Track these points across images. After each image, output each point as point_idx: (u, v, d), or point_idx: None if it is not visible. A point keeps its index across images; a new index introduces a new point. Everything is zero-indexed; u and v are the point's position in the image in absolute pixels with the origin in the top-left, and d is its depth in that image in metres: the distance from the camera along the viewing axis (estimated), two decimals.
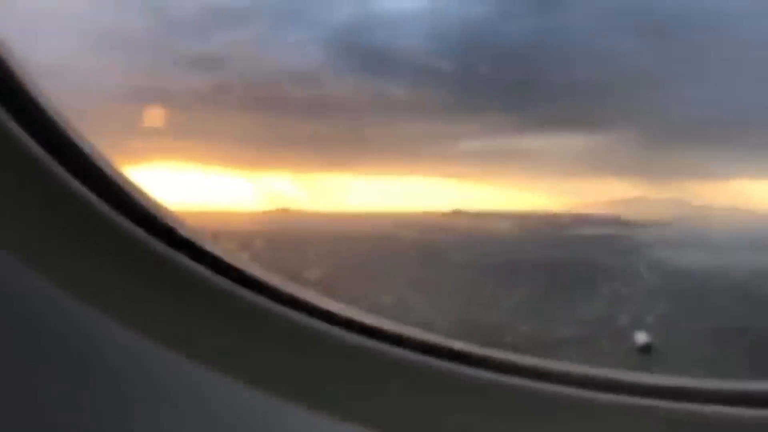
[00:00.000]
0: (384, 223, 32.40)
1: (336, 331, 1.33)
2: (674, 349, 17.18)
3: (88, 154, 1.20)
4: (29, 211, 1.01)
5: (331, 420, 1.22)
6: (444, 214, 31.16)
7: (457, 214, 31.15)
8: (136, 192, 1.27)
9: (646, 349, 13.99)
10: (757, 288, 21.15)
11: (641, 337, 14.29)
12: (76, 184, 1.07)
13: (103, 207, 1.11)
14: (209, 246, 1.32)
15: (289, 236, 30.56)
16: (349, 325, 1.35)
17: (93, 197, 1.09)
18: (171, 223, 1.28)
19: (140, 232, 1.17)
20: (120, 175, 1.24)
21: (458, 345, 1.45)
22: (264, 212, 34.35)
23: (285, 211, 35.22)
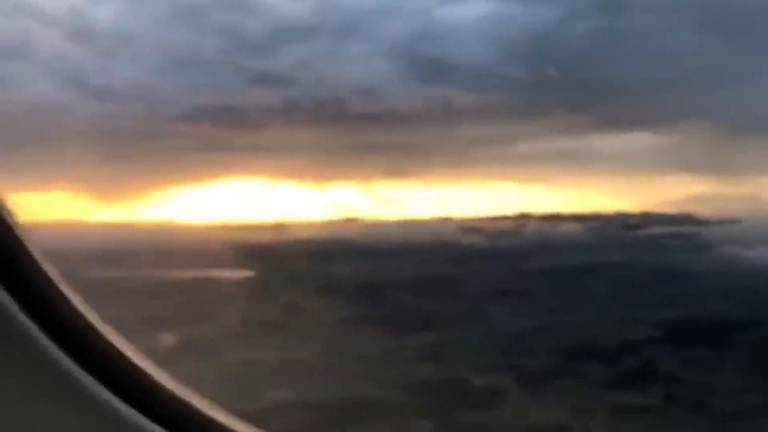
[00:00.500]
0: (449, 229, 32.44)
1: None
2: None
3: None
4: None
5: None
6: (510, 218, 31.00)
7: (523, 217, 30.94)
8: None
9: None
10: None
11: None
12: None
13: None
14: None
15: (352, 247, 30.81)
16: None
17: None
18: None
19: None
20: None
21: None
22: (330, 222, 34.70)
23: (351, 220, 35.58)
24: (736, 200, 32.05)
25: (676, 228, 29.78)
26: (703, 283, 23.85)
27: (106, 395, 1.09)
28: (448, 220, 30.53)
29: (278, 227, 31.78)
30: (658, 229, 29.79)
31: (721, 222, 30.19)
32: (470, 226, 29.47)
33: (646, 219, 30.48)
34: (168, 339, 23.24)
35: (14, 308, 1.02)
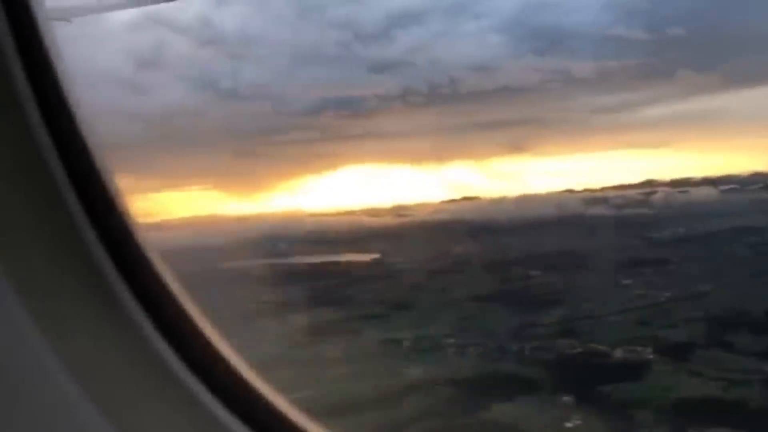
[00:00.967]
0: (571, 202, 31.73)
1: None
2: None
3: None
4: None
5: None
6: (636, 186, 29.86)
7: (650, 184, 29.70)
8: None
9: None
10: None
11: None
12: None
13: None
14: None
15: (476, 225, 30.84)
16: None
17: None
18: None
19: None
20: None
21: None
22: (450, 202, 34.92)
23: (470, 199, 35.62)
24: None
25: None
26: None
27: (208, 399, 1.14)
28: (570, 192, 29.82)
29: (399, 210, 32.27)
30: None
31: None
32: (594, 197, 28.69)
33: None
34: (304, 321, 24.48)
35: (143, 321, 1.08)
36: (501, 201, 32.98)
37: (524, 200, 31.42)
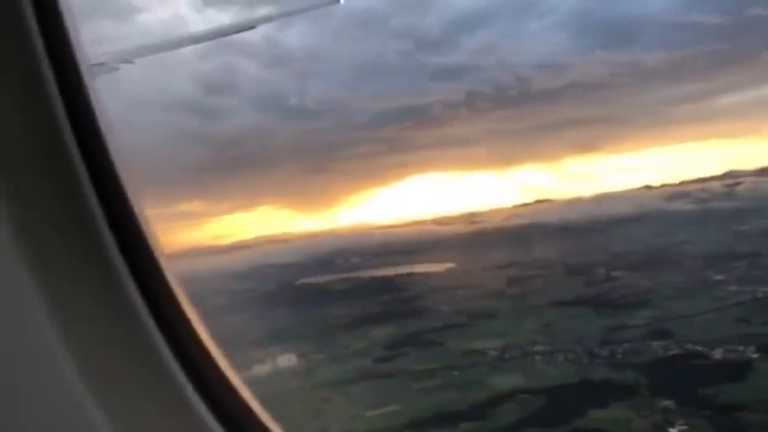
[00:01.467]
0: (650, 198, 30.63)
1: None
2: None
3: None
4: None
5: None
6: (718, 178, 28.62)
7: (733, 175, 28.41)
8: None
9: None
10: None
11: None
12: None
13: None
14: None
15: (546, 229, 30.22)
16: None
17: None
18: None
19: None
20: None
21: None
22: (523, 205, 34.36)
23: (543, 201, 34.93)
24: None
25: None
26: None
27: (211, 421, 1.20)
28: (648, 188, 28.96)
29: (471, 217, 32.08)
30: None
31: None
32: (675, 192, 27.76)
33: None
34: (385, 333, 24.39)
35: (161, 345, 1.08)
36: (576, 202, 32.30)
37: (601, 199, 30.68)
